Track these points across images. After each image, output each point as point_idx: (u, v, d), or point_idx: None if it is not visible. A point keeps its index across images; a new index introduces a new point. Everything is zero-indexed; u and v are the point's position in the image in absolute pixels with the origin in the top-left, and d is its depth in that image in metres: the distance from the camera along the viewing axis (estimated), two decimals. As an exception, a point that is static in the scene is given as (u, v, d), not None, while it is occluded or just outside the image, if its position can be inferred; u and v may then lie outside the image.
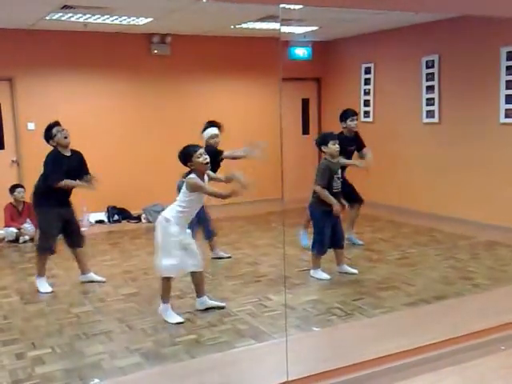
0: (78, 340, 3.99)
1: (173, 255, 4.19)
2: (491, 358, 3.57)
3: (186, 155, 4.28)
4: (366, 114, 8.94)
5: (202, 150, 4.29)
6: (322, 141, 5.20)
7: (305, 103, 9.83)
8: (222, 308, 4.51)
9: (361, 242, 6.44)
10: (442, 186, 7.71)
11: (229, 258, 6.01)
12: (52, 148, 5.07)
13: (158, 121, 8.54)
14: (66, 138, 5.03)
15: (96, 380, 3.42)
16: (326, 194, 5.07)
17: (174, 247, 4.19)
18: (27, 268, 5.85)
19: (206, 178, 4.35)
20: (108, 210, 8.13)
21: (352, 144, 6.18)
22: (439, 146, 7.75)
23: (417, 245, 6.46)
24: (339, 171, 5.24)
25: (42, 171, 5.06)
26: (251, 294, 4.89)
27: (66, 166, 4.99)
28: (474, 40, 7.12)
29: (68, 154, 5.08)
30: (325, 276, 5.22)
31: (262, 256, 6.13)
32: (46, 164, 5.01)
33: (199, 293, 4.50)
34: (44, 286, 5.09)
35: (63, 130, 5.05)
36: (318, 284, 5.15)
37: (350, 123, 6.15)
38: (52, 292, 5.05)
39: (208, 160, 4.28)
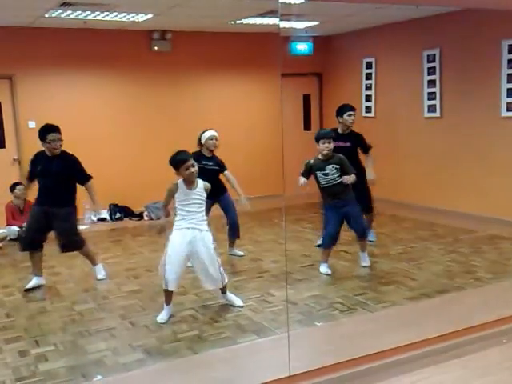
0: (81, 337, 4.00)
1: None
2: (494, 351, 3.58)
3: (174, 165, 4.32)
4: (368, 108, 8.92)
5: (190, 163, 4.25)
6: (316, 138, 5.21)
7: (306, 99, 9.81)
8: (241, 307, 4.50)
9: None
10: (443, 180, 7.69)
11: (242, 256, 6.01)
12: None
13: (159, 117, 8.54)
14: (55, 148, 4.97)
15: (99, 377, 3.43)
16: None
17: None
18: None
19: (200, 184, 4.33)
20: (110, 208, 8.14)
21: (346, 141, 5.77)
22: (441, 140, 7.73)
23: (419, 239, 6.45)
24: (329, 167, 5.10)
25: None
26: (254, 289, 4.90)
27: (47, 166, 4.95)
28: (475, 33, 7.09)
29: (56, 154, 5.00)
30: (325, 270, 5.22)
31: (265, 252, 6.14)
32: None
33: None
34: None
35: (58, 139, 4.97)
36: (321, 279, 5.15)
37: (348, 118, 5.85)
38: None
39: (194, 170, 4.25)
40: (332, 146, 5.13)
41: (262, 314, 4.31)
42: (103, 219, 7.99)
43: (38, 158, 5.07)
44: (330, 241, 5.25)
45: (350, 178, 5.05)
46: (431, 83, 7.79)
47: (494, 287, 4.78)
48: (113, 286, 5.17)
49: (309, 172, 5.18)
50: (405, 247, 6.13)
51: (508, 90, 6.76)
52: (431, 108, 7.83)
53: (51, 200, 4.99)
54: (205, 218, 4.37)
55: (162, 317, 4.25)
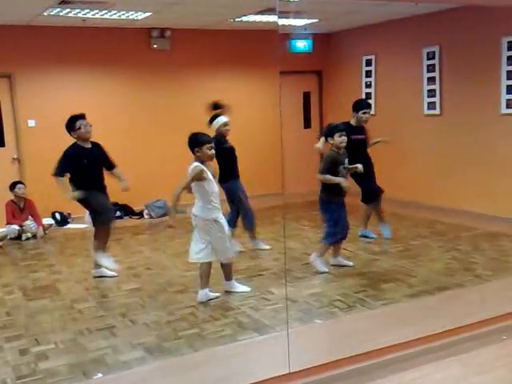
0: (82, 335, 4.01)
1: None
2: (493, 348, 3.58)
3: (197, 142, 4.40)
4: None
5: (212, 144, 4.43)
6: (329, 132, 5.19)
7: (306, 96, 9.81)
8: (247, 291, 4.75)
9: (375, 236, 6.43)
10: (443, 177, 7.69)
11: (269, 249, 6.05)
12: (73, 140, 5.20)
13: (159, 116, 8.54)
14: (88, 132, 5.17)
15: (99, 374, 3.43)
16: (328, 178, 5.07)
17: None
18: (30, 265, 5.88)
19: (209, 172, 4.45)
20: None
21: (359, 133, 6.07)
22: (441, 137, 7.73)
23: (419, 237, 6.45)
24: (346, 161, 5.20)
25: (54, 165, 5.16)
26: (253, 287, 4.90)
27: (84, 159, 5.11)
28: (475, 30, 7.08)
29: (88, 146, 5.22)
30: (323, 269, 5.21)
31: (265, 250, 6.13)
32: (62, 154, 5.15)
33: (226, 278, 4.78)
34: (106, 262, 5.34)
35: (87, 124, 5.18)
36: (320, 277, 5.15)
37: (362, 116, 6.07)
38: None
39: (214, 153, 4.43)
40: (346, 138, 5.16)
41: (262, 312, 4.32)
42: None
43: (76, 151, 5.14)
44: (336, 238, 5.26)
45: (360, 167, 5.25)
46: (431, 80, 7.78)
47: (494, 284, 4.78)
48: (113, 284, 5.18)
49: (333, 169, 5.10)
50: (405, 245, 6.13)
51: (508, 86, 6.76)
52: (431, 105, 7.83)
53: (97, 186, 5.20)
54: None
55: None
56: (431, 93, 7.81)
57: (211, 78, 8.84)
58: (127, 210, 8.22)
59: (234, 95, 9.09)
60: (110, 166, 5.38)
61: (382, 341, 3.52)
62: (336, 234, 5.22)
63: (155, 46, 8.30)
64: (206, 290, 4.58)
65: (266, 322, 4.11)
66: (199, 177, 4.35)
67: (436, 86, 7.71)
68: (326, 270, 5.22)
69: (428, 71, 7.81)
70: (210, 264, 4.54)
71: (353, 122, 6.12)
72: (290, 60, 8.79)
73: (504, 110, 6.83)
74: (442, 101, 7.67)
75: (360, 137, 6.08)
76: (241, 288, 4.78)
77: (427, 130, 7.95)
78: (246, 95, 9.14)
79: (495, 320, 3.81)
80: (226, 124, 5.83)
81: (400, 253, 5.84)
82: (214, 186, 4.49)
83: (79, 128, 5.11)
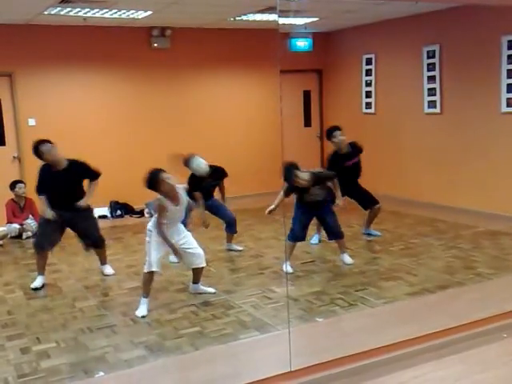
0: (83, 334, 4.01)
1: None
2: (494, 346, 3.58)
3: (152, 183, 4.40)
4: (368, 105, 8.92)
5: (166, 175, 4.38)
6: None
7: (306, 95, 9.80)
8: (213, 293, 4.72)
9: (379, 233, 6.52)
10: (444, 175, 7.70)
11: (240, 251, 6.06)
12: None
13: (159, 114, 8.54)
14: (53, 156, 5.00)
15: (101, 373, 3.44)
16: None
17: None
18: (30, 264, 5.86)
19: (183, 197, 4.48)
20: (111, 205, 8.15)
21: (354, 156, 6.11)
22: (441, 136, 7.73)
23: (420, 235, 6.46)
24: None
25: None
26: (254, 286, 4.91)
27: (55, 182, 5.01)
28: (475, 29, 7.08)
29: (61, 167, 5.04)
30: (288, 269, 5.17)
31: (265, 248, 6.15)
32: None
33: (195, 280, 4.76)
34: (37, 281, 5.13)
35: (51, 147, 5.00)
36: (321, 276, 5.16)
37: (335, 140, 6.05)
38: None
39: (172, 183, 4.36)
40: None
41: (263, 311, 4.32)
42: (104, 216, 7.99)
43: (44, 174, 5.09)
44: (293, 238, 5.35)
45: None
46: (431, 79, 7.78)
47: (495, 283, 4.78)
48: (114, 282, 5.18)
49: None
50: (406, 243, 6.13)
51: (508, 85, 6.75)
52: (431, 104, 7.83)
53: (66, 206, 5.04)
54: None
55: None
56: (431, 91, 7.81)
57: (212, 77, 8.84)
58: (128, 209, 8.22)
59: (234, 94, 9.11)
60: (92, 178, 5.22)
61: (383, 339, 3.53)
62: (290, 234, 5.28)
63: (156, 44, 8.30)
64: None
65: (267, 321, 4.11)
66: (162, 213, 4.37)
67: (436, 85, 7.70)
68: (290, 270, 5.20)
69: (428, 70, 7.80)
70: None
71: (339, 150, 6.11)
72: (290, 59, 8.79)
73: (504, 109, 6.83)
74: (442, 99, 7.67)
75: (356, 160, 6.14)
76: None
77: (427, 129, 7.95)
78: (246, 94, 9.14)
79: (496, 318, 3.81)
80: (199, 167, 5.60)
81: (401, 251, 5.84)
82: (177, 217, 4.48)
83: (43, 153, 4.98)
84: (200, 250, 4.58)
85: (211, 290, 4.77)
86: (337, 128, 6.16)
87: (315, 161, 9.09)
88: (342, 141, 6.06)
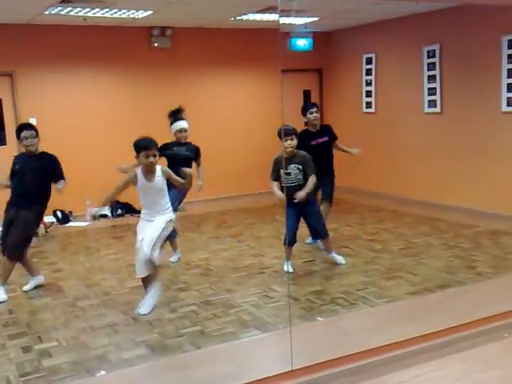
0: (84, 333, 4.02)
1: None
2: (495, 346, 3.59)
3: (135, 149, 4.35)
4: (368, 104, 8.92)
5: (151, 152, 4.31)
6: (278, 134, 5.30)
7: (306, 95, 9.80)
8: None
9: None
10: (444, 175, 7.70)
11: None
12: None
13: (159, 114, 8.49)
14: (31, 145, 4.87)
15: (102, 372, 3.44)
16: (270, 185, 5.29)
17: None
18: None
19: (158, 171, 4.38)
20: (111, 204, 8.14)
21: (319, 136, 5.93)
22: (441, 135, 7.74)
23: (420, 234, 6.46)
24: (291, 166, 5.16)
25: None
26: (255, 285, 4.91)
27: (18, 165, 4.85)
28: (475, 29, 7.09)
29: (33, 156, 4.90)
30: (288, 268, 5.16)
31: (266, 248, 6.15)
32: None
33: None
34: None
35: (32, 135, 4.88)
36: (322, 275, 5.16)
37: (310, 116, 5.93)
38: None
39: (153, 160, 4.31)
40: (295, 142, 5.12)
41: (264, 310, 4.32)
42: (105, 216, 8.00)
43: (18, 158, 5.01)
44: (289, 239, 5.20)
45: (302, 195, 5.02)
46: (431, 78, 7.78)
47: (495, 282, 4.79)
48: (115, 282, 5.19)
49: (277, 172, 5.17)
50: (406, 242, 6.14)
51: (508, 84, 6.76)
52: (431, 103, 7.83)
53: (23, 200, 4.78)
54: (168, 205, 4.48)
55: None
56: (432, 91, 7.81)
57: (212, 77, 8.84)
58: (128, 208, 8.22)
59: (235, 94, 9.11)
60: (55, 179, 4.87)
61: (384, 338, 3.53)
62: (285, 238, 5.22)
63: (156, 44, 8.30)
64: None
65: (268, 320, 4.11)
66: (130, 183, 4.37)
67: (436, 84, 7.71)
68: (291, 270, 5.18)
69: (428, 69, 7.81)
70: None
71: (310, 128, 6.00)
72: (290, 58, 8.78)
73: (504, 108, 6.83)
74: (442, 99, 7.68)
75: (321, 140, 5.93)
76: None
77: (428, 128, 7.95)
78: (246, 93, 9.15)
79: (497, 317, 3.82)
80: (180, 131, 5.72)
81: (401, 250, 5.85)
82: (148, 194, 4.44)
83: (22, 140, 4.88)
84: (146, 242, 4.32)
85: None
86: (313, 104, 6.11)
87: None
88: (314, 118, 5.93)
